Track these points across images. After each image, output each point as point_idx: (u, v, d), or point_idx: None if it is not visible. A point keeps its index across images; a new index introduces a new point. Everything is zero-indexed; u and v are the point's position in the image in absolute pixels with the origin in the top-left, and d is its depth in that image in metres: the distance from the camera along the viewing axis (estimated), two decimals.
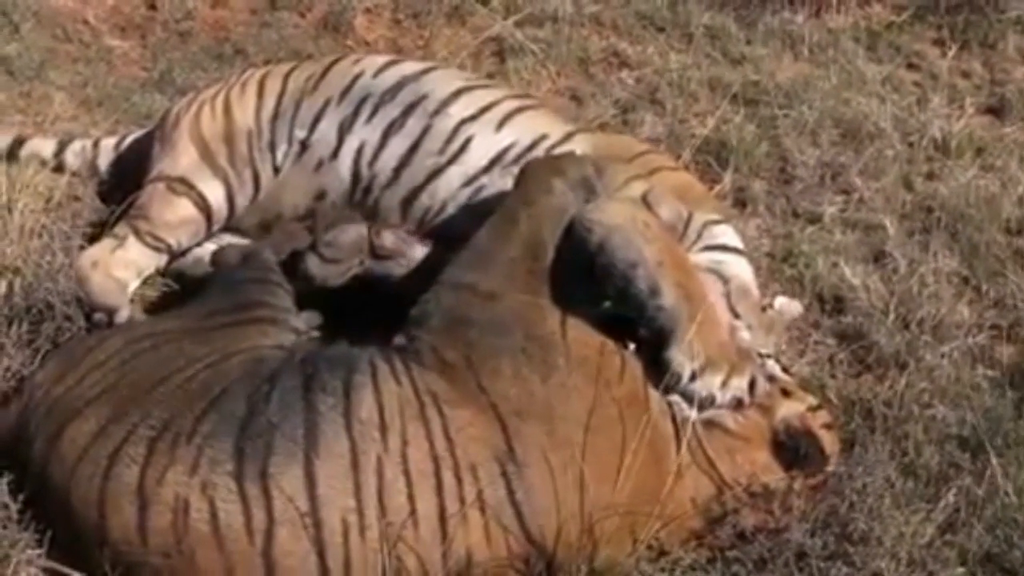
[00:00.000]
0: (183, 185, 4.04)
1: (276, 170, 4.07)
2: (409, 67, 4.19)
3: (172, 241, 4.01)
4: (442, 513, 3.01)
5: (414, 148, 3.95)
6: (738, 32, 5.59)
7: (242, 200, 4.07)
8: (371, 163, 3.96)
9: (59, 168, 4.39)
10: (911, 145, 4.91)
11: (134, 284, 3.97)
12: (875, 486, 3.30)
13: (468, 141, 3.94)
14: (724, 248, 3.79)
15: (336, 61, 4.25)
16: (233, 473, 2.98)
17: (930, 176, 4.80)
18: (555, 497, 3.08)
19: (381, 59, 4.26)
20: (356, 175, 3.97)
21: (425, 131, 3.97)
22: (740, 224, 4.45)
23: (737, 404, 3.35)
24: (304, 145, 4.04)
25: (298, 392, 3.13)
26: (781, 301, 3.92)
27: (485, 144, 3.92)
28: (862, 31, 5.68)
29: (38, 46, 5.18)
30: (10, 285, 3.72)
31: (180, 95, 4.96)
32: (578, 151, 3.83)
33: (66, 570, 3.07)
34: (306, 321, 3.68)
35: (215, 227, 4.07)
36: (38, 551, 3.09)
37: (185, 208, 4.03)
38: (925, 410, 3.68)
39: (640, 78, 5.33)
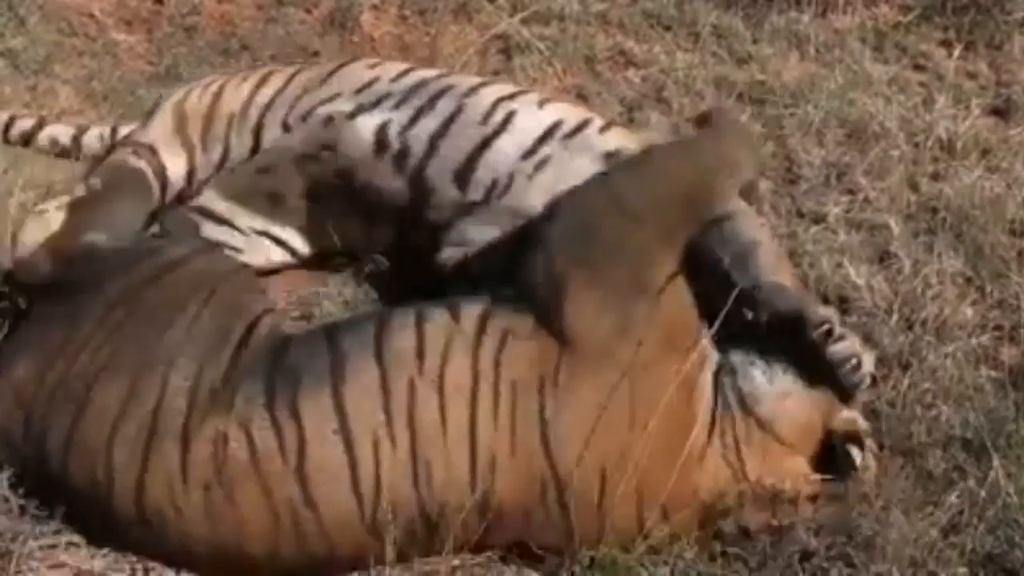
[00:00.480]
0: (147, 151, 4.06)
1: (254, 151, 4.04)
2: (428, 71, 4.17)
3: None
4: (473, 425, 3.10)
5: (449, 122, 3.87)
6: (744, 31, 5.58)
7: (202, 175, 4.06)
8: (400, 134, 3.87)
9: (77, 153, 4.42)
10: (916, 145, 4.90)
11: None
12: (880, 490, 3.30)
13: (511, 115, 3.87)
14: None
15: (348, 62, 4.24)
16: (266, 404, 3.12)
17: (935, 177, 4.79)
18: (582, 433, 3.13)
19: (399, 66, 4.23)
20: (380, 140, 3.87)
21: (459, 109, 3.90)
22: None
23: (872, 383, 3.39)
24: (305, 118, 4.01)
25: (321, 336, 3.28)
26: None
27: (532, 117, 3.85)
28: (868, 31, 5.66)
29: (44, 40, 5.18)
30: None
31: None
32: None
33: (73, 563, 3.09)
34: None
35: (168, 197, 4.06)
36: (39, 544, 3.10)
37: None
38: (928, 411, 3.68)
39: (646, 77, 5.32)
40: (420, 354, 3.16)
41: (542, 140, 3.81)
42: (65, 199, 3.96)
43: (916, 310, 4.07)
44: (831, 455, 3.36)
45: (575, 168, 3.68)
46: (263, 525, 3.09)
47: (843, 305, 4.18)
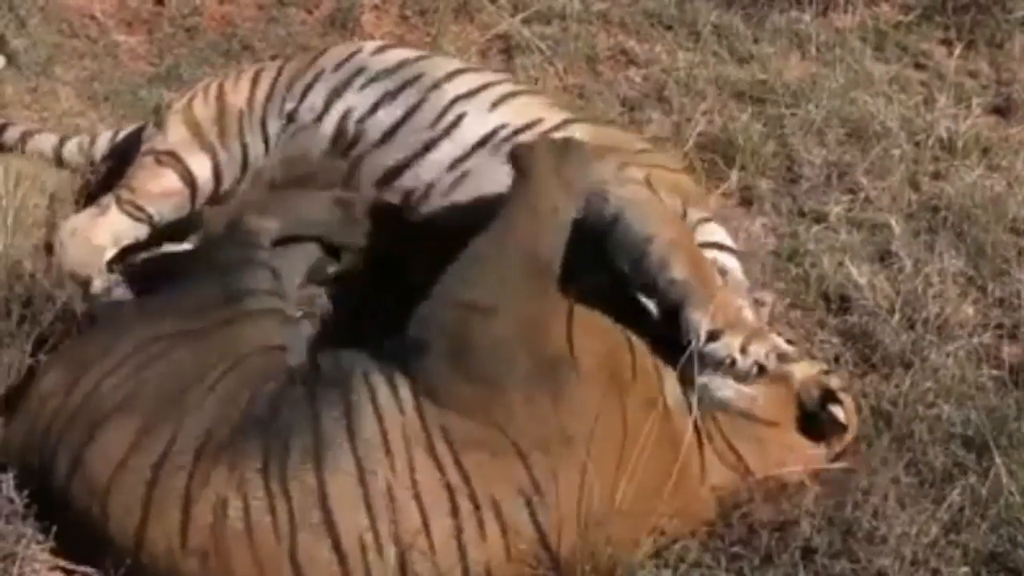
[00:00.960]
0: (170, 157, 4.05)
1: (266, 145, 4.07)
2: (408, 51, 4.22)
3: (153, 211, 4.01)
4: (459, 536, 2.99)
5: (405, 119, 3.92)
6: (745, 31, 5.58)
7: (229, 175, 4.07)
8: (357, 124, 3.94)
9: (59, 163, 4.42)
10: (917, 145, 4.90)
11: (110, 252, 3.96)
12: (881, 486, 3.30)
13: (460, 118, 3.90)
14: (718, 246, 3.77)
15: (331, 47, 4.30)
16: (261, 470, 3.02)
17: (936, 176, 4.79)
18: (579, 516, 3.05)
19: (379, 42, 4.32)
20: (339, 133, 3.94)
21: (418, 104, 3.94)
22: (746, 223, 4.46)
23: (759, 371, 3.30)
24: (291, 117, 4.04)
25: (304, 401, 3.15)
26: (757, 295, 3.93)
27: (478, 122, 3.87)
28: (869, 30, 5.66)
29: (45, 41, 5.18)
30: (9, 277, 3.72)
31: (187, 90, 5.00)
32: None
33: (75, 567, 3.09)
34: (299, 300, 3.63)
35: (199, 201, 4.06)
36: (43, 547, 3.10)
37: (170, 180, 4.03)
38: (930, 409, 3.67)
39: (647, 76, 5.32)
40: (387, 451, 3.04)
41: (475, 148, 3.84)
42: (95, 211, 4.00)
43: (918, 309, 4.07)
44: (813, 421, 3.38)
45: (496, 178, 3.64)
46: None
47: (844, 304, 4.19)
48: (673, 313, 3.30)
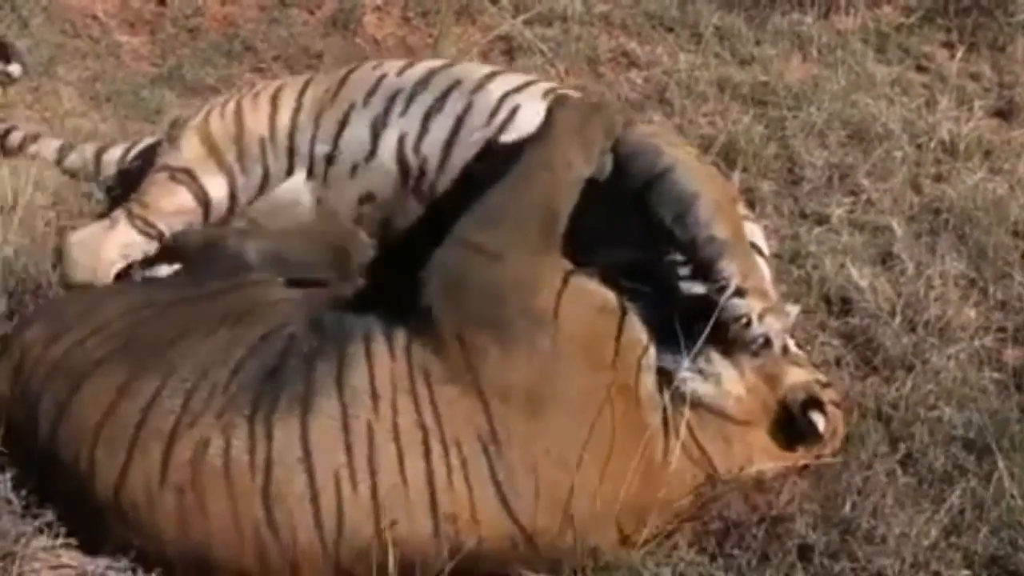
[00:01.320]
0: (185, 175, 4.01)
1: (290, 172, 4.02)
2: (434, 62, 4.15)
3: (164, 228, 3.98)
4: (430, 478, 3.08)
5: (458, 126, 3.86)
6: (747, 33, 5.58)
7: (244, 198, 4.03)
8: (416, 149, 3.87)
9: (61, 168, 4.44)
10: (919, 147, 4.90)
11: (118, 266, 3.95)
12: (879, 485, 3.30)
13: (515, 110, 3.84)
14: (756, 249, 3.74)
15: (353, 69, 4.18)
16: (248, 416, 3.11)
17: (938, 178, 4.79)
18: (536, 481, 3.10)
19: (402, 60, 4.21)
20: (403, 164, 3.87)
21: (467, 108, 3.88)
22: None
23: (766, 344, 3.30)
24: (331, 159, 3.97)
25: (302, 356, 3.23)
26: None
27: (534, 110, 3.77)
28: (871, 33, 5.66)
29: (47, 41, 5.19)
30: (16, 279, 3.73)
31: (189, 91, 5.03)
32: None
33: (76, 565, 3.09)
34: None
35: (211, 220, 4.03)
36: (42, 544, 3.10)
37: (183, 197, 4.00)
38: (931, 412, 3.68)
39: (649, 78, 5.32)
40: (373, 395, 3.15)
41: None
42: (105, 224, 4.00)
43: (919, 311, 4.07)
44: (795, 424, 3.36)
45: None
46: (229, 539, 3.06)
47: (846, 306, 4.19)
48: (706, 267, 3.31)
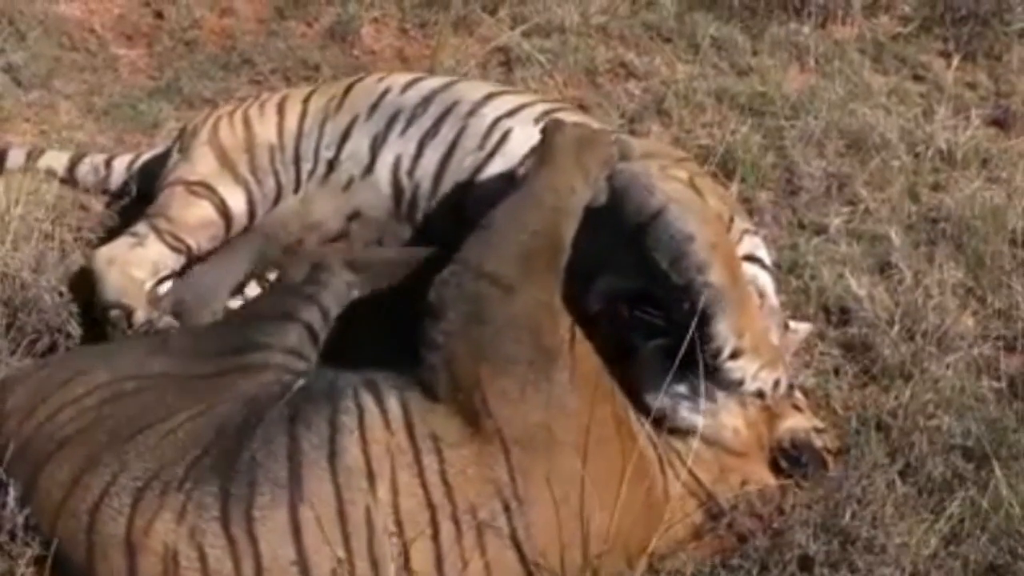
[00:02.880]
0: (203, 188, 4.02)
1: (297, 185, 4.04)
2: (435, 81, 4.18)
3: (192, 243, 3.99)
4: (439, 563, 2.92)
5: (451, 151, 3.90)
6: (745, 43, 5.59)
7: (261, 209, 4.04)
8: (410, 174, 3.91)
9: (71, 181, 4.43)
10: (917, 156, 4.91)
11: (150, 284, 3.93)
12: (878, 495, 3.30)
13: (507, 134, 3.88)
14: (759, 262, 3.76)
15: (358, 80, 4.22)
16: (219, 518, 2.89)
17: (936, 187, 4.79)
18: (557, 529, 3.01)
19: (406, 76, 4.23)
20: (396, 188, 3.92)
21: (461, 133, 3.92)
22: None
23: (758, 396, 3.32)
24: (331, 164, 4.01)
25: (283, 426, 3.02)
26: (796, 326, 3.92)
27: (525, 135, 3.79)
28: (868, 42, 5.67)
29: (44, 55, 5.19)
30: (10, 292, 3.73)
31: (187, 104, 5.02)
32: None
33: None
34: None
35: (234, 232, 4.04)
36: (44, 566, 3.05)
37: (205, 211, 4.01)
38: (929, 421, 3.67)
39: (647, 88, 5.32)
40: (370, 475, 2.94)
41: (527, 160, 3.74)
42: (131, 240, 3.97)
43: (917, 320, 4.07)
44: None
45: None
46: None
47: (844, 316, 4.19)
48: (701, 317, 3.26)
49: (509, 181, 3.73)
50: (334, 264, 3.61)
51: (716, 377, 3.27)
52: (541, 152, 3.48)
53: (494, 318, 3.12)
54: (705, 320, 3.25)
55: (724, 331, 3.25)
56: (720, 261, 3.29)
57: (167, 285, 3.98)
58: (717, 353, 3.25)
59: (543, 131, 3.55)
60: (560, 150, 3.43)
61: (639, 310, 3.36)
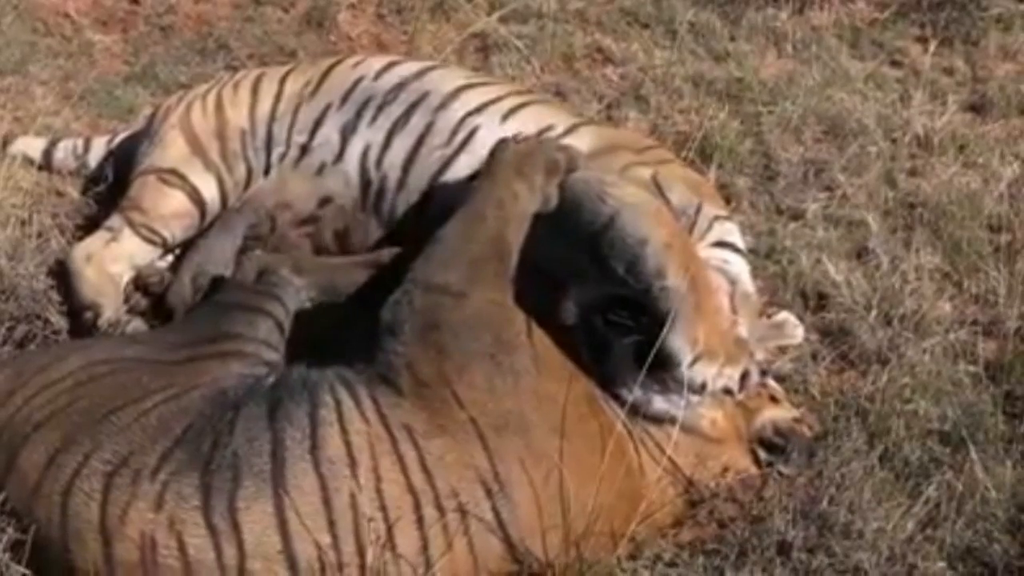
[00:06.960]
0: (175, 177, 4.00)
1: (267, 170, 4.04)
2: (410, 67, 4.15)
3: (167, 234, 3.98)
4: (425, 546, 2.95)
5: (419, 144, 3.92)
6: (722, 29, 5.60)
7: (233, 196, 4.03)
8: (378, 164, 3.92)
9: (48, 167, 4.40)
10: (894, 142, 4.92)
11: (127, 277, 3.93)
12: (855, 480, 3.31)
13: (474, 131, 3.89)
14: (732, 247, 3.78)
15: (335, 64, 4.20)
16: (200, 508, 2.89)
17: (913, 173, 4.81)
18: (539, 510, 3.04)
19: (381, 61, 4.22)
20: (364, 177, 3.93)
21: (429, 127, 3.93)
22: None
23: (726, 393, 3.34)
24: (304, 149, 4.00)
25: (263, 421, 3.04)
26: (785, 317, 3.94)
27: (491, 134, 3.82)
28: (845, 28, 5.69)
29: (19, 40, 5.15)
30: None
31: (162, 90, 4.98)
32: (582, 144, 3.77)
33: None
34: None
35: (207, 221, 4.02)
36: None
37: (179, 201, 3.99)
38: (906, 405, 3.68)
39: (624, 74, 5.33)
40: (352, 464, 2.97)
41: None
42: (106, 235, 3.96)
43: (894, 306, 4.08)
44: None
45: None
46: None
47: (822, 301, 4.20)
48: (660, 321, 3.27)
49: (474, 179, 3.73)
50: (281, 268, 3.66)
51: (681, 384, 3.29)
52: (485, 170, 3.52)
53: (449, 322, 3.18)
54: (661, 327, 3.26)
55: (679, 343, 3.27)
56: (676, 261, 3.30)
57: (168, 259, 4.03)
58: (675, 366, 3.27)
59: (491, 150, 3.56)
60: (501, 165, 3.48)
61: (612, 314, 3.36)
